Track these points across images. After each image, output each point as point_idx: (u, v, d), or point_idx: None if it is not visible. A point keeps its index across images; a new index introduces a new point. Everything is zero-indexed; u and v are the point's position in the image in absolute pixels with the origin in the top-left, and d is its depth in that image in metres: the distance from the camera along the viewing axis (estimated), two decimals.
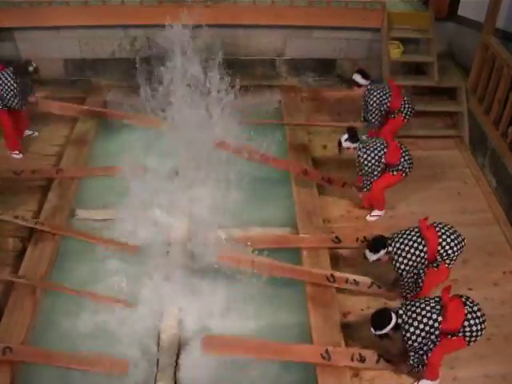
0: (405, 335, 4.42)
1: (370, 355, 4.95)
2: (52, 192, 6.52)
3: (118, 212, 6.29)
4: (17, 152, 7.15)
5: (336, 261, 5.89)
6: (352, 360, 4.91)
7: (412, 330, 4.37)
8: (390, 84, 6.83)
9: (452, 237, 4.95)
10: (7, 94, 6.73)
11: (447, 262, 4.98)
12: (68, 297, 5.46)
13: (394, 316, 4.47)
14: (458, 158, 7.50)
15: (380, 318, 4.55)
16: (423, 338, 4.38)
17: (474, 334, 4.38)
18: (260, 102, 8.19)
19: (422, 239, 4.94)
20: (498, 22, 7.37)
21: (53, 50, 8.34)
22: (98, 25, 8.11)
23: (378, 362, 4.92)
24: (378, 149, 5.95)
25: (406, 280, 5.17)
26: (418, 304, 4.48)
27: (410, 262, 4.96)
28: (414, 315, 4.40)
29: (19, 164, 6.99)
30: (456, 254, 4.96)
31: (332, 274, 5.60)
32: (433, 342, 4.43)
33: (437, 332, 4.36)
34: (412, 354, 4.57)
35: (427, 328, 4.35)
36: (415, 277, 5.14)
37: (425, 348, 4.48)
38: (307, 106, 8.30)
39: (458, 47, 8.54)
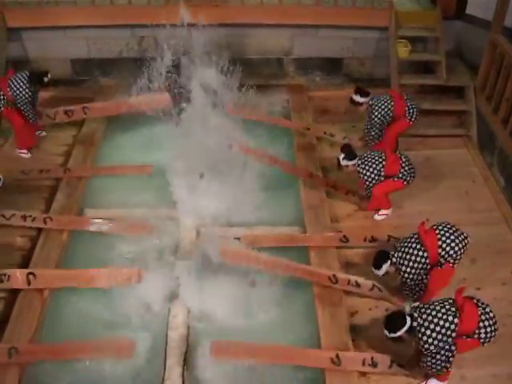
0: (421, 338, 4.32)
1: (383, 360, 4.84)
2: (60, 191, 6.55)
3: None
4: (25, 151, 7.15)
5: (343, 260, 5.89)
6: (363, 365, 4.81)
7: (429, 332, 4.28)
8: (391, 93, 6.77)
9: (452, 237, 4.91)
10: (20, 100, 6.63)
11: (451, 261, 4.95)
12: None
13: (408, 319, 4.40)
14: (466, 156, 7.47)
15: (394, 320, 4.46)
16: (439, 340, 4.28)
17: (489, 334, 4.36)
18: (267, 102, 8.18)
19: (422, 245, 4.94)
20: (507, 21, 7.33)
21: (60, 50, 8.38)
22: (105, 24, 8.14)
23: (390, 366, 4.81)
24: (377, 162, 5.96)
25: (411, 285, 5.18)
26: (432, 307, 4.41)
27: (413, 270, 4.98)
28: (430, 318, 4.32)
29: (27, 163, 7.00)
30: (459, 253, 4.93)
31: (334, 275, 5.53)
32: (449, 344, 4.32)
33: (453, 334, 4.28)
34: (428, 358, 4.44)
35: (444, 330, 4.27)
36: (420, 281, 5.13)
37: (441, 352, 4.35)
38: (315, 104, 8.29)
39: (466, 46, 8.51)
